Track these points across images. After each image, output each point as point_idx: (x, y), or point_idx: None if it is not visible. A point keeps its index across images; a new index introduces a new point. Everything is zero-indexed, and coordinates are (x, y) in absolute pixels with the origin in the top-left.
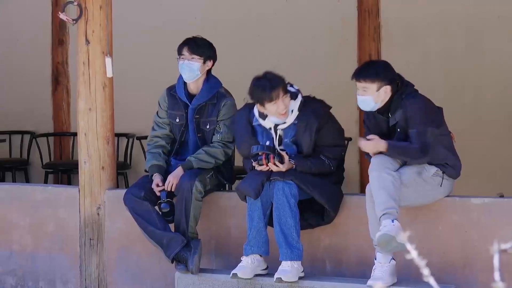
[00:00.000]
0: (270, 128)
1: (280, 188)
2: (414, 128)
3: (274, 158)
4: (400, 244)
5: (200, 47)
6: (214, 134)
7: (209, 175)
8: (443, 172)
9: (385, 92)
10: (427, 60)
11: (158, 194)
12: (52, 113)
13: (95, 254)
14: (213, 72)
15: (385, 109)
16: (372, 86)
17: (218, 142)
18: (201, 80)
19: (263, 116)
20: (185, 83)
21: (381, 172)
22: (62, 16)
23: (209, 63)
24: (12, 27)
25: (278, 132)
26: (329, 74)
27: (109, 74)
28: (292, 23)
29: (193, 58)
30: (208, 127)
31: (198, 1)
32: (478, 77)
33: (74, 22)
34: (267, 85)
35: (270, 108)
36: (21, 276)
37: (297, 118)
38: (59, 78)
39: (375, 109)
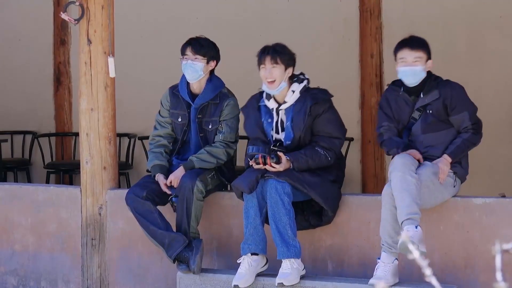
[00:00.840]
0: (273, 109)
1: (273, 186)
2: (465, 111)
3: (270, 159)
4: (421, 251)
5: (203, 47)
6: (216, 134)
7: (210, 175)
8: (455, 173)
9: (429, 67)
10: None
11: (168, 192)
12: (54, 113)
13: (97, 254)
14: (214, 72)
15: (417, 89)
16: (423, 56)
17: (220, 142)
18: (204, 80)
19: (269, 97)
20: (188, 83)
21: (405, 174)
22: (64, 16)
23: (212, 64)
24: (14, 27)
25: (280, 114)
26: (330, 74)
27: (112, 74)
28: (294, 23)
29: (196, 58)
30: (210, 127)
31: (200, 1)
32: (479, 77)
33: (76, 22)
34: (263, 49)
35: (260, 71)
36: (23, 275)
37: (297, 100)
38: (61, 78)
39: (418, 82)
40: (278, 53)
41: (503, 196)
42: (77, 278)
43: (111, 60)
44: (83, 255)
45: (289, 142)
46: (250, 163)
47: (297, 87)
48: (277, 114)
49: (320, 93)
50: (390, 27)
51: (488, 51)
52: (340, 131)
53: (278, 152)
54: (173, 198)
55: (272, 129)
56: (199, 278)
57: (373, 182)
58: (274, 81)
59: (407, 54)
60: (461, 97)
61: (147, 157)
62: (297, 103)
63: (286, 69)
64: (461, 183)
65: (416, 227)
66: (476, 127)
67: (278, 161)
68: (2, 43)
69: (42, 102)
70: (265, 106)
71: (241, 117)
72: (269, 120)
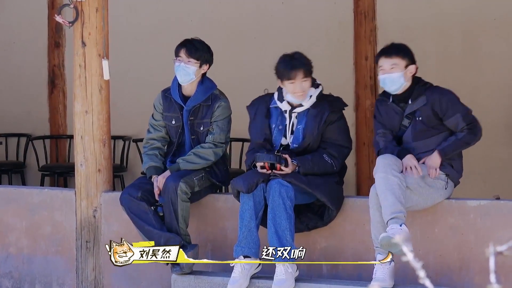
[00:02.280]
0: (285, 111)
1: (277, 189)
2: (457, 113)
3: (280, 164)
4: (402, 249)
5: (198, 50)
6: (207, 136)
7: (198, 176)
8: (447, 175)
9: (410, 72)
10: (424, 63)
11: (157, 198)
12: (48, 116)
13: (92, 256)
14: (209, 74)
15: (405, 96)
16: (401, 63)
17: (209, 143)
18: (195, 82)
19: (282, 98)
20: (180, 85)
21: (387, 174)
22: (58, 18)
23: (205, 67)
24: (8, 29)
25: (293, 117)
26: (325, 77)
27: (106, 76)
28: (288, 26)
29: (189, 61)
30: (202, 128)
31: (195, 3)
32: (474, 79)
33: (70, 24)
34: (289, 64)
35: (287, 85)
36: (17, 278)
37: (313, 105)
38: (56, 80)
39: (400, 88)
40: (308, 66)
41: (498, 198)
42: (71, 280)
43: (105, 63)
44: (78, 257)
45: (297, 146)
46: (256, 164)
47: (314, 92)
48: (289, 117)
49: (336, 101)
50: (385, 29)
51: (483, 54)
52: (349, 141)
53: (284, 155)
54: (158, 208)
55: (283, 135)
56: (194, 280)
57: (368, 185)
58: (304, 93)
59: (383, 62)
60: (451, 101)
61: (142, 160)
62: (313, 108)
63: (311, 78)
64: (455, 186)
65: (401, 225)
66: (472, 126)
67: (286, 165)
68: None
69: (37, 105)
70: (276, 108)
71: (235, 118)
72: (280, 127)
